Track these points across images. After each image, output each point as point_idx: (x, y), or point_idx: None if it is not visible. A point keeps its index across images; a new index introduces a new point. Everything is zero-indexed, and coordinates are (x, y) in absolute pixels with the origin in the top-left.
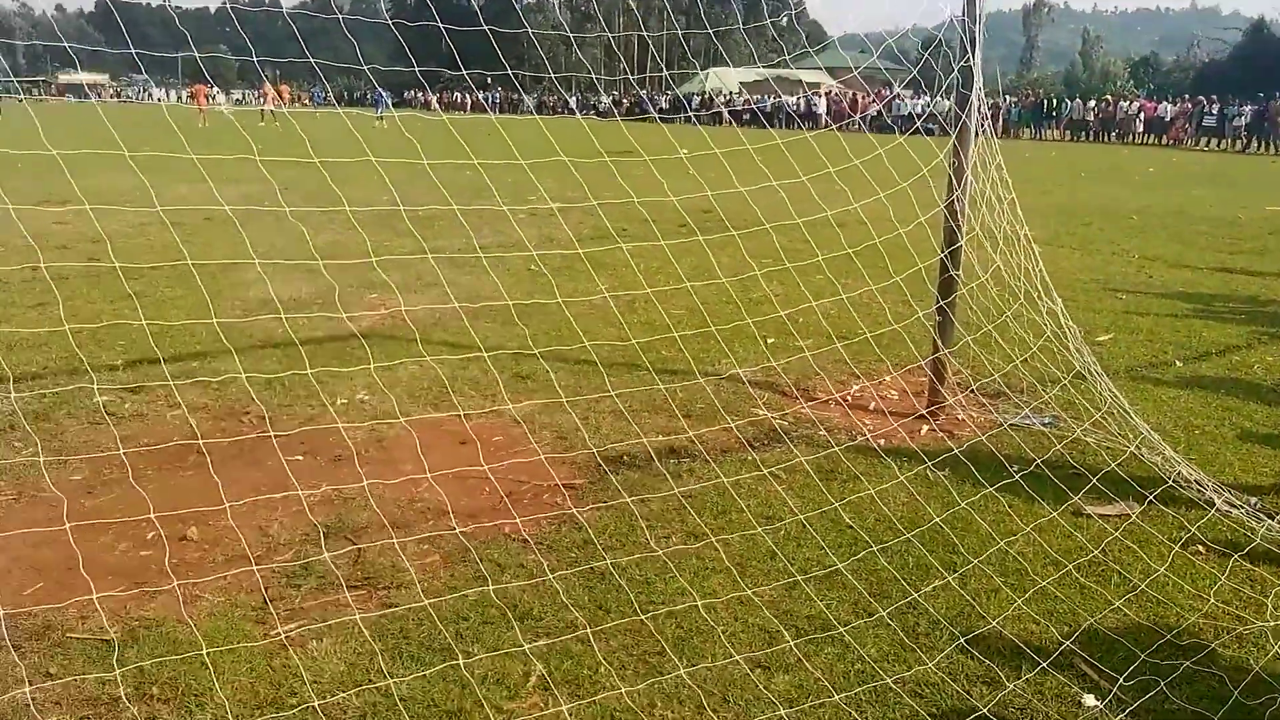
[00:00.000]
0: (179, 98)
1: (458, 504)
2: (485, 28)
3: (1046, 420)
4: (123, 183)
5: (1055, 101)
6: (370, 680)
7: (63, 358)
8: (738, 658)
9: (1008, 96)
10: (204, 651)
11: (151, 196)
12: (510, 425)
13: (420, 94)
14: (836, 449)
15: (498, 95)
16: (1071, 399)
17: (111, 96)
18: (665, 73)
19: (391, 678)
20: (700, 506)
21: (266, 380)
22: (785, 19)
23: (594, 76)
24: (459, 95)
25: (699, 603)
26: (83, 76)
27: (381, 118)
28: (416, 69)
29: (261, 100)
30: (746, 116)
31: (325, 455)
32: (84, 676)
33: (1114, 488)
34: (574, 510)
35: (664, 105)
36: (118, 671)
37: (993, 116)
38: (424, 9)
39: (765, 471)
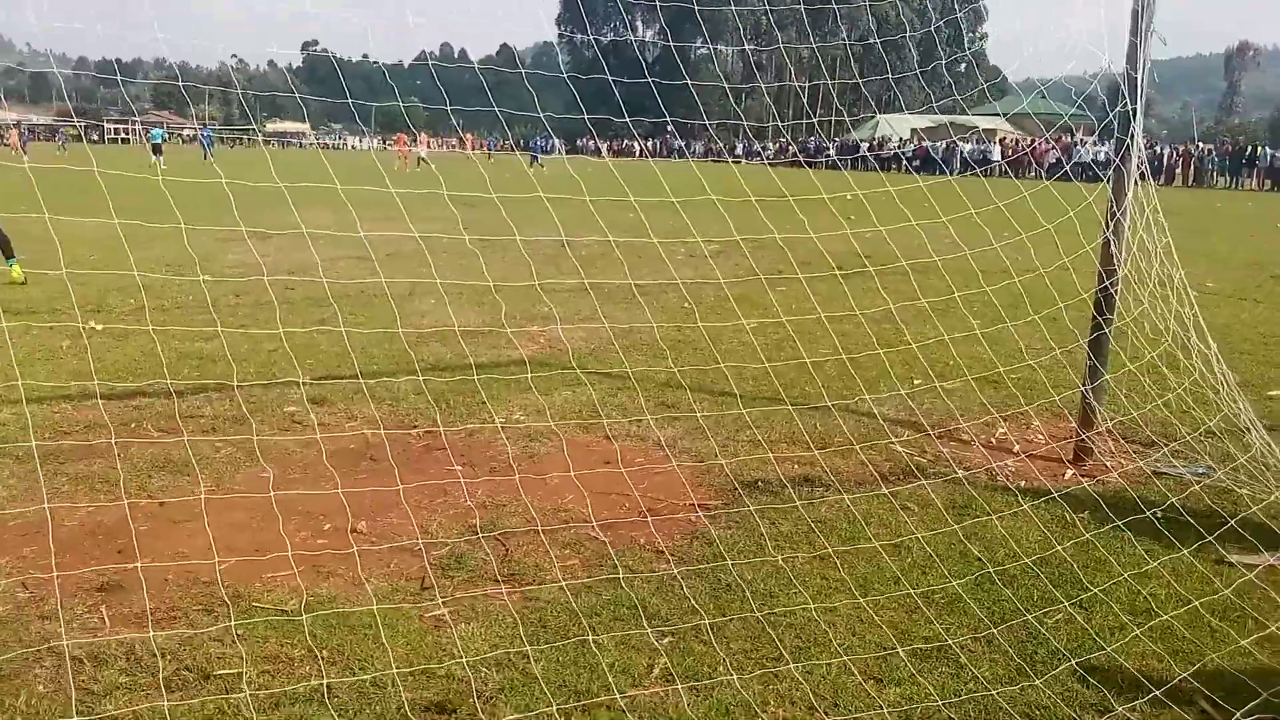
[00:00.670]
0: (378, 144)
1: (599, 515)
2: (648, 80)
3: (1199, 470)
4: (319, 220)
5: (1254, 148)
6: (510, 660)
7: (260, 372)
8: (852, 667)
9: (1202, 144)
10: (371, 626)
11: (356, 225)
12: (653, 449)
13: (591, 140)
14: (971, 488)
15: (670, 142)
16: (1225, 450)
17: (311, 144)
18: (834, 119)
19: (530, 659)
20: (829, 531)
21: (435, 398)
22: (964, 64)
23: (751, 124)
24: (626, 142)
25: (818, 616)
26: (288, 125)
27: (540, 163)
28: (585, 117)
29: (413, 145)
30: (917, 162)
31: (483, 467)
32: (266, 639)
33: (1264, 539)
34: (708, 527)
35: (832, 151)
36: (299, 636)
37: (1183, 163)
38: (598, 63)
39: (897, 504)
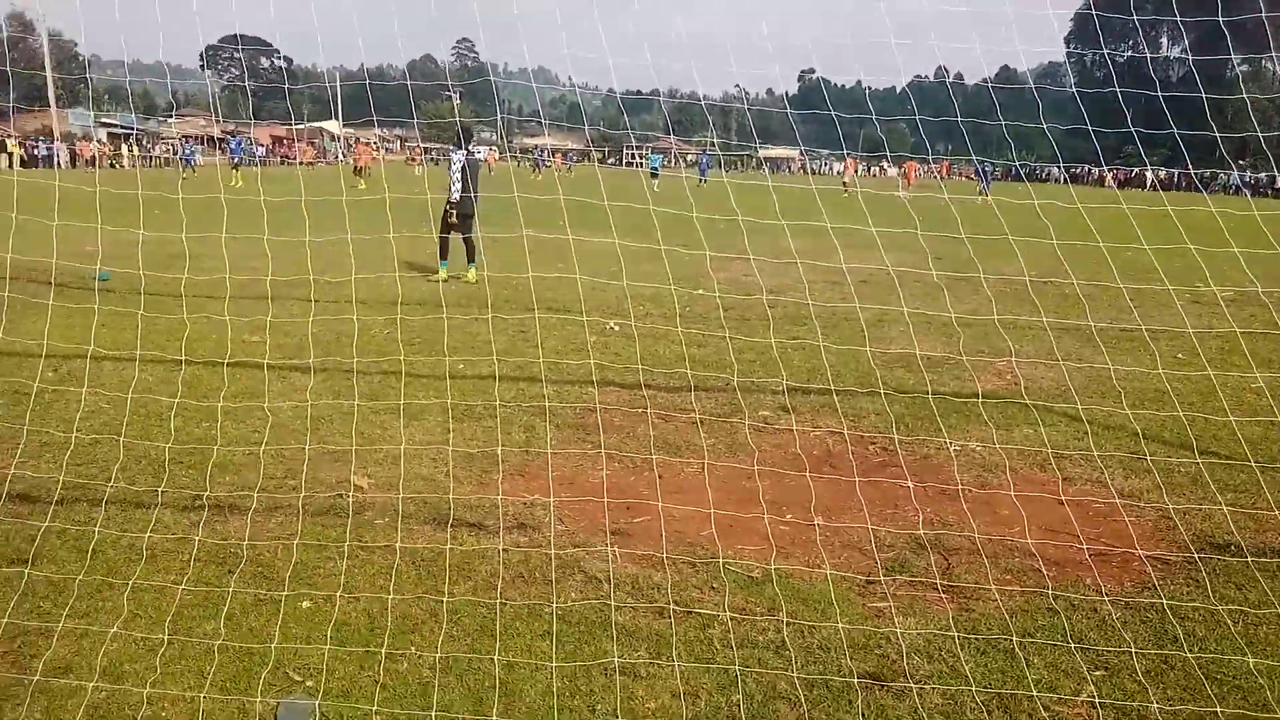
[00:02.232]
0: (858, 170)
1: (1045, 551)
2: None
3: None
4: (798, 245)
5: None
6: (940, 654)
7: (742, 378)
8: None
9: None
10: (820, 602)
11: (836, 253)
12: (1112, 498)
13: (1095, 169)
14: None
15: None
16: None
17: (799, 169)
18: None
19: (960, 657)
20: None
21: (895, 419)
22: None
23: None
24: (1136, 170)
25: (1265, 681)
26: (779, 151)
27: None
28: (1092, 132)
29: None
30: None
31: (934, 488)
32: (735, 593)
33: None
34: (1160, 580)
35: None
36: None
37: None
38: (1109, 83)
39: None
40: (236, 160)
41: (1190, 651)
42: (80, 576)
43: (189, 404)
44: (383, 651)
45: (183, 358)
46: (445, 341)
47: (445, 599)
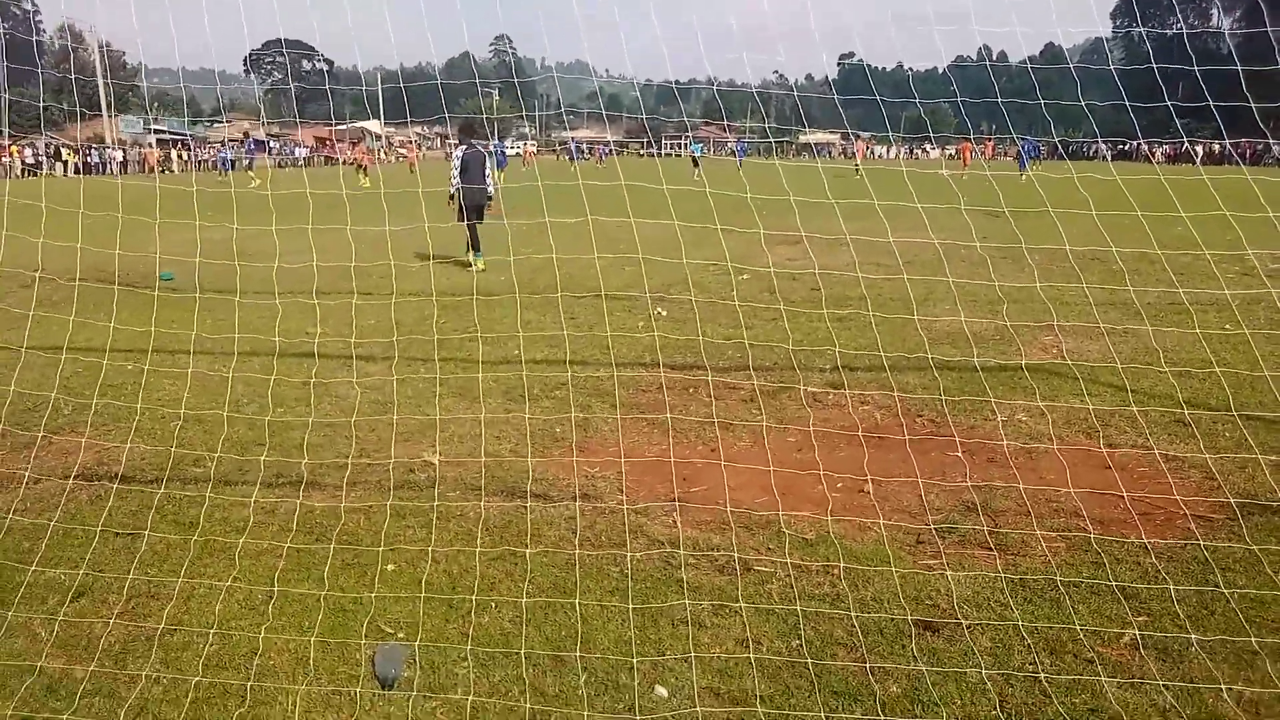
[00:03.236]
0: (899, 154)
1: (1091, 511)
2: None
3: None
4: (844, 227)
5: None
6: (990, 604)
7: (786, 359)
8: None
9: None
10: (872, 561)
11: (887, 232)
12: (1159, 461)
13: (1142, 144)
14: None
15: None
16: None
17: (839, 155)
18: None
19: (1009, 605)
20: None
21: (939, 395)
22: None
23: None
24: (1185, 146)
25: None
26: (819, 136)
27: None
28: (1131, 112)
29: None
30: None
31: (981, 456)
32: (791, 552)
33: None
34: (1202, 538)
35: None
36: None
37: None
38: (1160, 54)
39: None
40: (250, 161)
41: (1230, 593)
42: (183, 545)
43: (262, 392)
44: (474, 599)
45: (236, 350)
46: (494, 330)
47: (526, 552)
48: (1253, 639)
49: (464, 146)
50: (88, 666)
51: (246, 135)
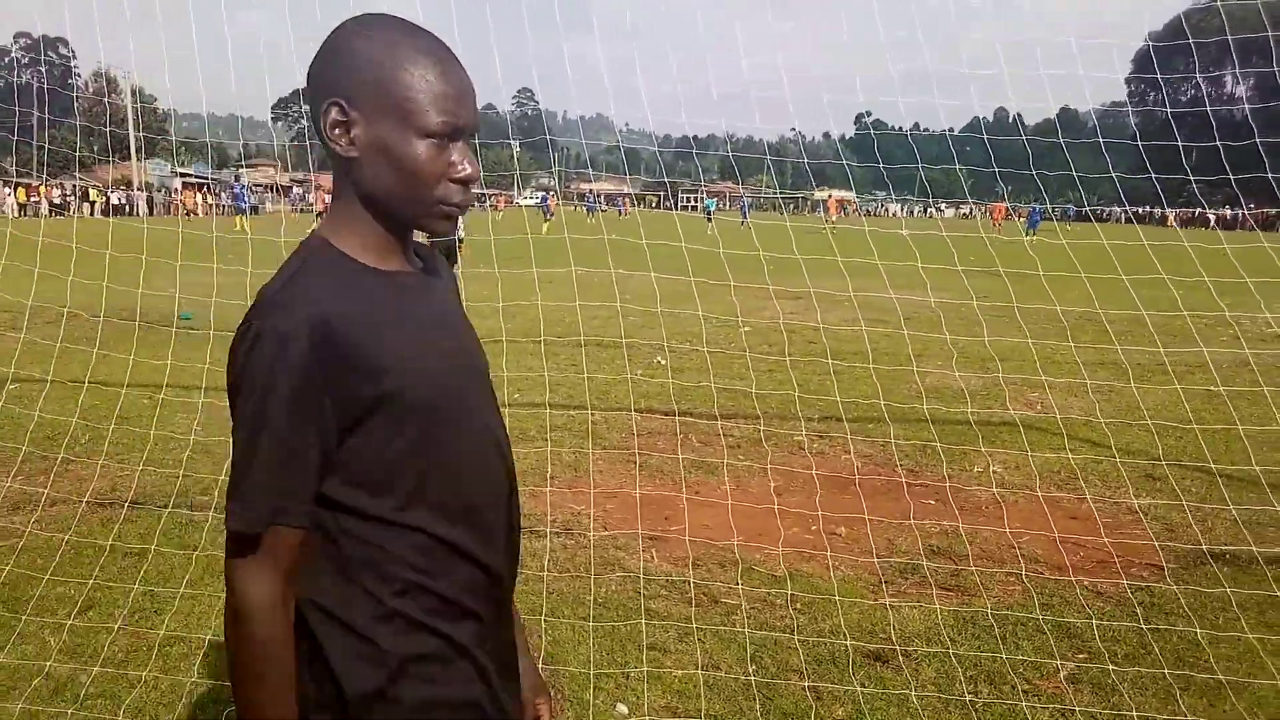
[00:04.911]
0: (910, 211)
1: (1051, 559)
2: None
3: None
4: (840, 283)
5: None
6: (938, 639)
7: (778, 407)
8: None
9: None
10: (834, 596)
11: (886, 288)
12: (1124, 513)
13: (1159, 209)
14: None
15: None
16: None
17: (854, 211)
18: None
19: (953, 643)
20: None
21: (921, 445)
22: None
23: None
24: (1199, 211)
25: (1238, 662)
26: (836, 194)
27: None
28: (1154, 177)
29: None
30: None
31: (952, 505)
32: (758, 588)
33: None
34: (1157, 583)
35: None
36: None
37: None
38: (1178, 119)
39: None
40: (241, 207)
41: (1174, 637)
42: (185, 564)
43: None
44: None
45: None
46: (504, 373)
47: None
48: (1170, 679)
49: None
50: (92, 671)
51: (237, 179)
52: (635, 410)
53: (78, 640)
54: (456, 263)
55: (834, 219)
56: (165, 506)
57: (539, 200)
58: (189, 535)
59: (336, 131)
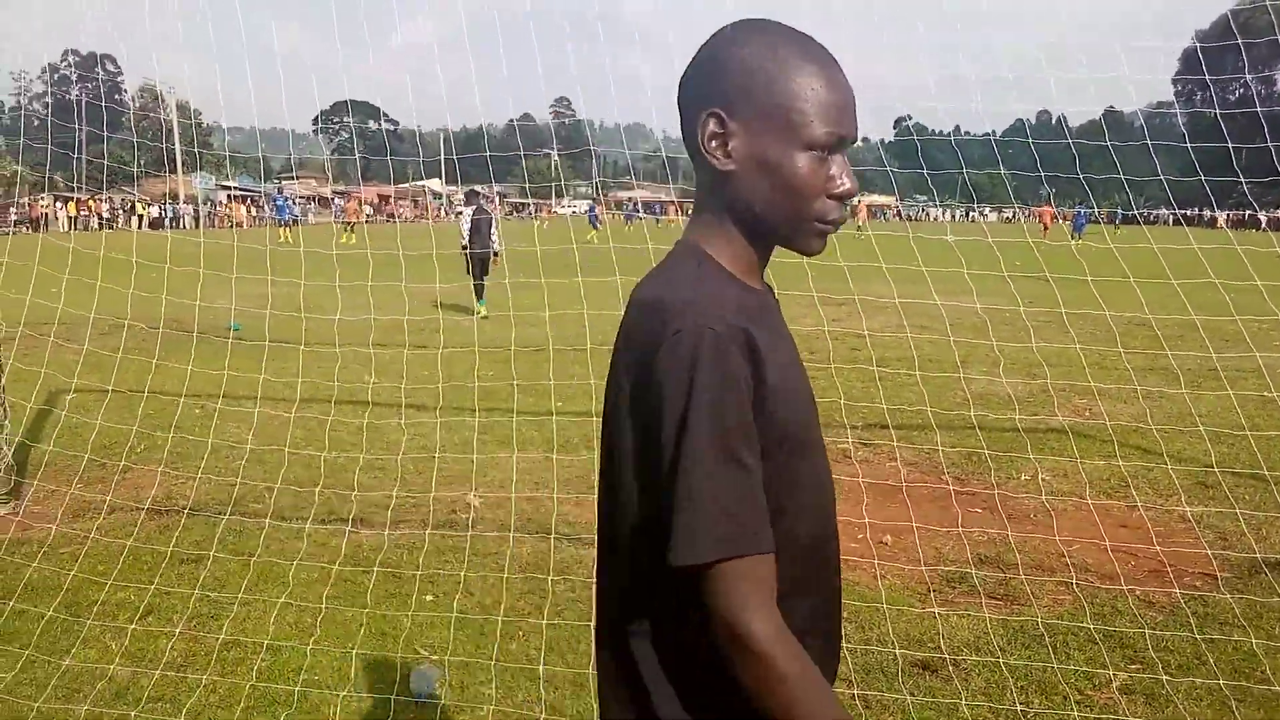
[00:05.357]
0: (952, 215)
1: (1102, 568)
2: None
3: None
4: (886, 289)
5: None
6: (987, 649)
7: (823, 415)
8: None
9: None
10: (881, 604)
11: (931, 294)
12: (1176, 522)
13: (1208, 210)
14: None
15: None
16: None
17: (895, 215)
18: None
19: (1003, 653)
20: None
21: (969, 453)
22: None
23: None
24: (1249, 213)
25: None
26: (876, 198)
27: None
28: (1204, 180)
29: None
30: None
31: (1000, 513)
32: None
33: None
34: (1210, 593)
35: None
36: None
37: None
38: (1223, 119)
39: None
40: (283, 219)
41: (1228, 648)
42: (241, 571)
43: (319, 435)
44: (499, 626)
45: (298, 396)
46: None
47: (550, 583)
48: (1228, 694)
49: (472, 208)
50: (153, 675)
51: (280, 190)
52: None
53: (138, 645)
54: (486, 273)
55: (861, 224)
56: (221, 514)
57: (587, 210)
58: (243, 542)
59: (713, 144)
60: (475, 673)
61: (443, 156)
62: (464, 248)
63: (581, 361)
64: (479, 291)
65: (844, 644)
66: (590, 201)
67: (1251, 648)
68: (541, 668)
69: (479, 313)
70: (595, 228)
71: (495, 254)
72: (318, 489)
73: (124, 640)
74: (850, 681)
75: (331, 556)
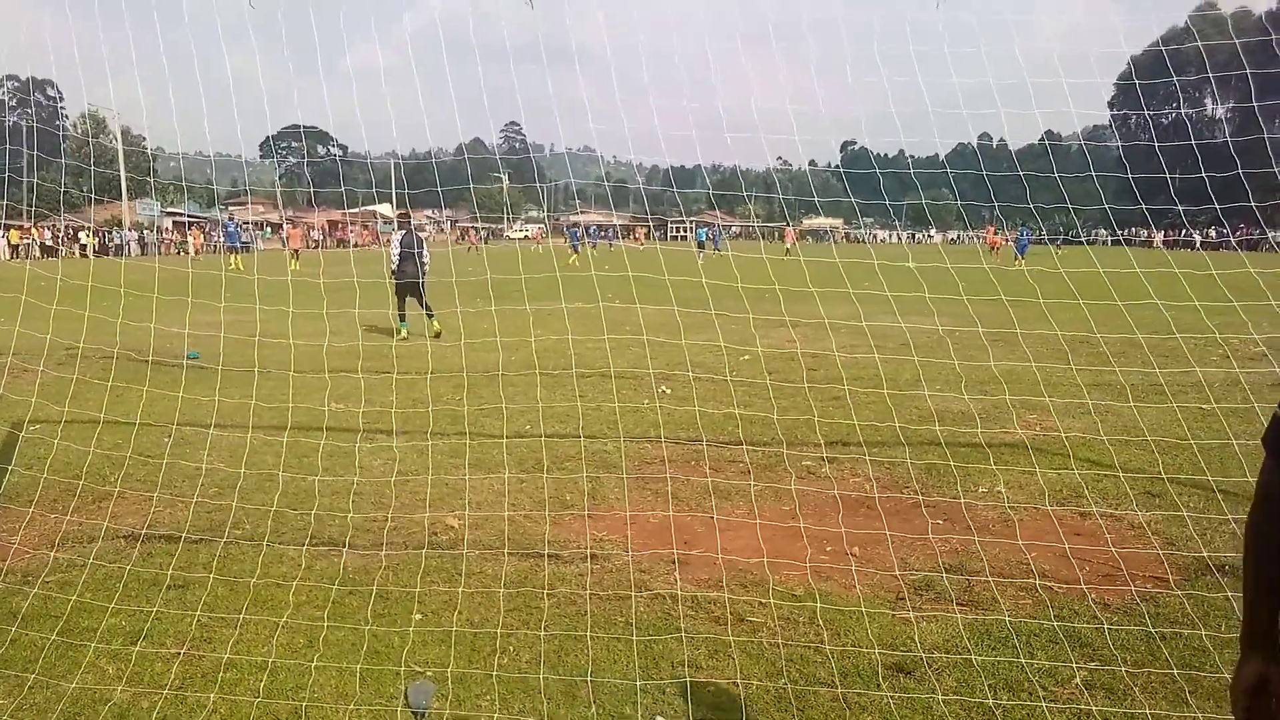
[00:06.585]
0: (899, 238)
1: (1060, 572)
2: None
3: None
4: (839, 311)
5: None
6: (956, 650)
7: (785, 432)
8: None
9: None
10: (860, 608)
11: (897, 314)
12: (1125, 529)
13: (1145, 231)
14: None
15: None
16: None
17: (842, 238)
18: None
19: (972, 654)
20: None
21: (927, 468)
22: None
23: None
24: (1185, 233)
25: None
26: (820, 221)
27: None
28: (1143, 204)
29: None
30: None
31: (960, 524)
32: (780, 607)
33: None
34: (1160, 592)
35: None
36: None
37: None
38: (1158, 145)
39: None
40: (233, 245)
41: (1179, 645)
42: (230, 595)
43: (290, 461)
44: (496, 640)
45: (280, 423)
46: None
47: (546, 607)
48: (1181, 682)
49: (402, 232)
50: (153, 697)
51: (231, 218)
52: (645, 439)
53: (135, 669)
54: (423, 300)
55: (789, 246)
56: (202, 540)
57: (569, 232)
58: (227, 566)
59: None
60: (470, 685)
61: (393, 181)
62: (393, 273)
63: (546, 385)
64: (401, 315)
65: (823, 647)
66: (573, 227)
67: (1202, 642)
68: (541, 677)
69: (400, 334)
70: (575, 250)
71: (423, 275)
72: (298, 513)
73: (120, 664)
74: (830, 684)
75: (317, 578)
